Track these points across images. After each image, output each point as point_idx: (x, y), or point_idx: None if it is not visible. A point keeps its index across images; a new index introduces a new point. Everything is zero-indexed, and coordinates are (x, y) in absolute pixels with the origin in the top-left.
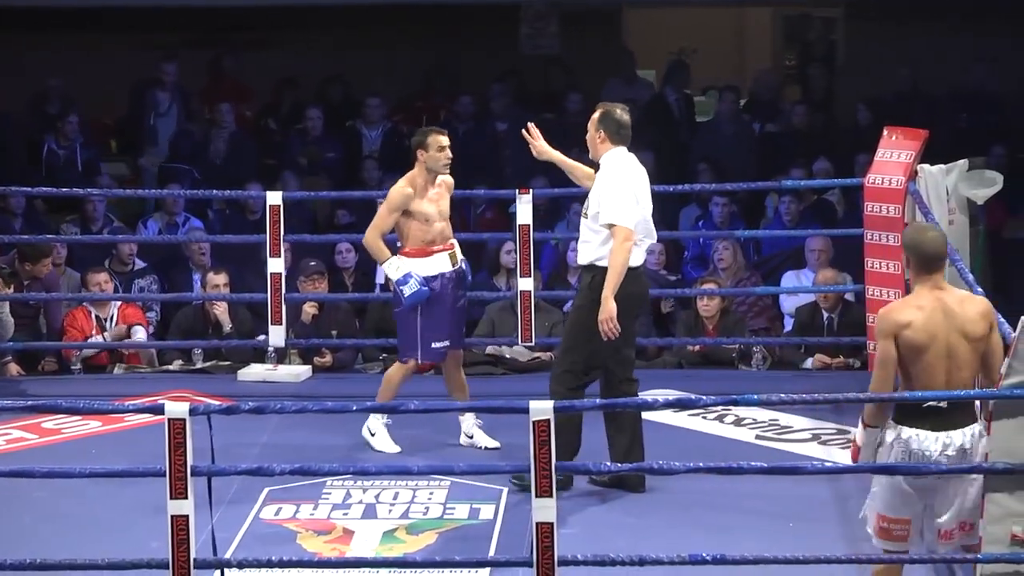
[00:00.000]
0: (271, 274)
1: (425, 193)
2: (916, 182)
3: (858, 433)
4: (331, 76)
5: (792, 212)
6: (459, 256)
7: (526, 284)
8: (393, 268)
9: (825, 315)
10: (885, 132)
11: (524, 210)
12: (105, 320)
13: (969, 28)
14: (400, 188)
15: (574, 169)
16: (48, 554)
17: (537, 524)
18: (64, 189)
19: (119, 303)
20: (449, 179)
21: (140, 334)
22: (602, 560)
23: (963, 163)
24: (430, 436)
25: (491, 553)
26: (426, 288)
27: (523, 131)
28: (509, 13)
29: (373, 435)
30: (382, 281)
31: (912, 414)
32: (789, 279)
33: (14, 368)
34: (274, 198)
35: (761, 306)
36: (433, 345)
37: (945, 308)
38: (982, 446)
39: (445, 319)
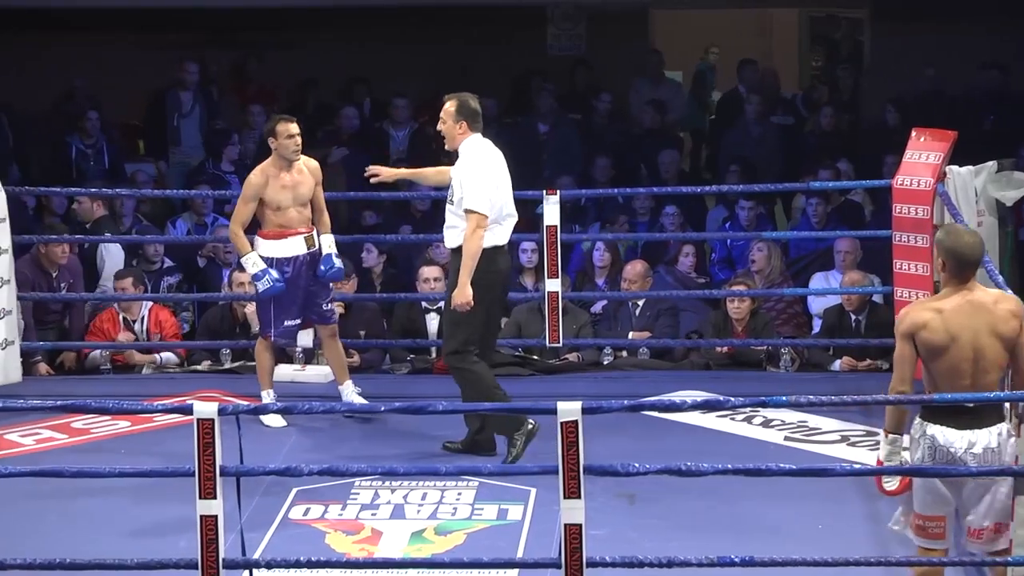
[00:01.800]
0: None
1: (279, 180)
2: (945, 184)
3: (881, 446)
4: (357, 77)
5: (820, 214)
6: (324, 249)
7: (554, 285)
8: (250, 264)
9: (852, 317)
10: (913, 133)
11: (551, 211)
12: (134, 322)
13: (996, 28)
14: (251, 178)
15: (424, 174)
16: (77, 554)
17: (565, 525)
18: (94, 189)
19: (149, 304)
20: (314, 164)
21: (169, 357)
22: (630, 561)
23: (992, 164)
24: (458, 436)
25: (519, 554)
26: (281, 283)
27: (365, 174)
28: (536, 14)
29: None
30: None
31: (938, 412)
32: (817, 281)
33: (43, 368)
34: None
35: (790, 313)
36: (285, 323)
37: (973, 308)
38: (1011, 446)
39: (297, 300)
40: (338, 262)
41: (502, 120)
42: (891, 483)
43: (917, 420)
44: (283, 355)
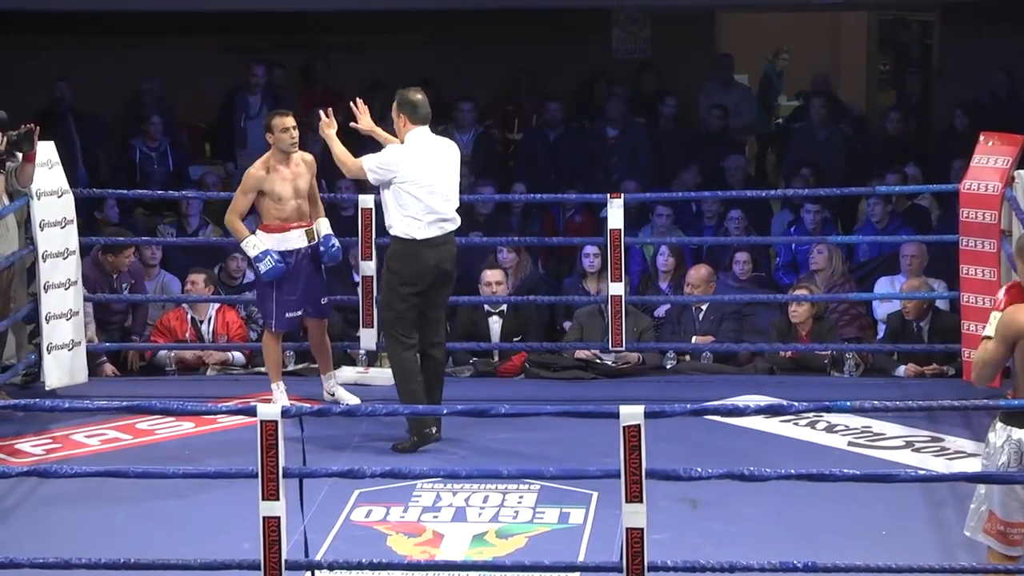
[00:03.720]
0: (363, 277)
1: (278, 173)
2: (1013, 188)
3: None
4: (423, 80)
5: (879, 214)
6: (322, 232)
7: (616, 289)
8: (251, 247)
9: (914, 324)
10: (981, 137)
11: (615, 214)
12: (201, 322)
13: None
14: (252, 170)
15: (388, 141)
16: (141, 553)
17: (627, 529)
18: (159, 192)
19: (217, 306)
20: (309, 157)
21: (238, 357)
22: (692, 566)
23: None
24: (520, 440)
25: (581, 558)
26: (282, 264)
27: (352, 104)
28: (601, 17)
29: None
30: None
31: (1020, 413)
32: (883, 285)
33: (109, 368)
34: (366, 202)
35: (853, 314)
36: (287, 315)
37: None
38: None
39: (298, 292)
40: (336, 242)
41: (569, 123)
42: None
43: (999, 425)
44: (347, 358)
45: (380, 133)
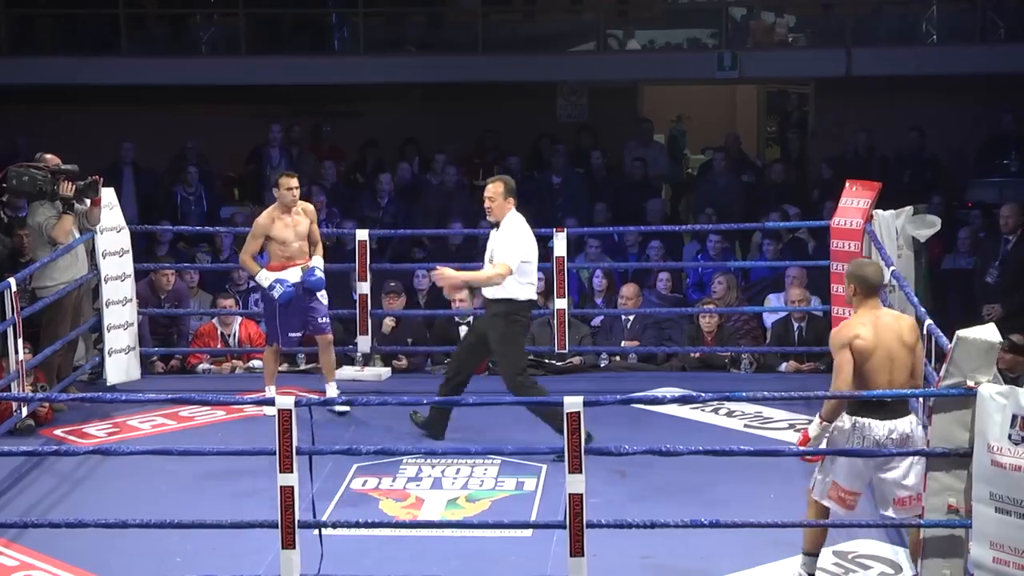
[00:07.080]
0: (359, 295)
1: (281, 221)
2: (872, 224)
3: (813, 425)
4: (408, 139)
5: (772, 251)
6: (311, 266)
7: (561, 304)
8: (263, 279)
9: (795, 324)
10: (847, 184)
11: (559, 244)
12: (229, 336)
13: (916, 100)
14: (259, 220)
15: (478, 280)
16: (183, 515)
17: (570, 495)
18: (196, 227)
19: (240, 320)
20: (309, 207)
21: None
22: (621, 523)
23: (909, 209)
24: (484, 424)
25: (533, 517)
26: (292, 288)
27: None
28: (548, 89)
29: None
30: (257, 286)
31: (864, 406)
32: (772, 301)
33: (159, 366)
34: (362, 235)
35: (748, 328)
36: (289, 335)
37: (885, 323)
38: (920, 431)
39: (298, 316)
40: (319, 273)
41: (523, 172)
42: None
43: (846, 415)
44: (346, 359)
45: (469, 276)
